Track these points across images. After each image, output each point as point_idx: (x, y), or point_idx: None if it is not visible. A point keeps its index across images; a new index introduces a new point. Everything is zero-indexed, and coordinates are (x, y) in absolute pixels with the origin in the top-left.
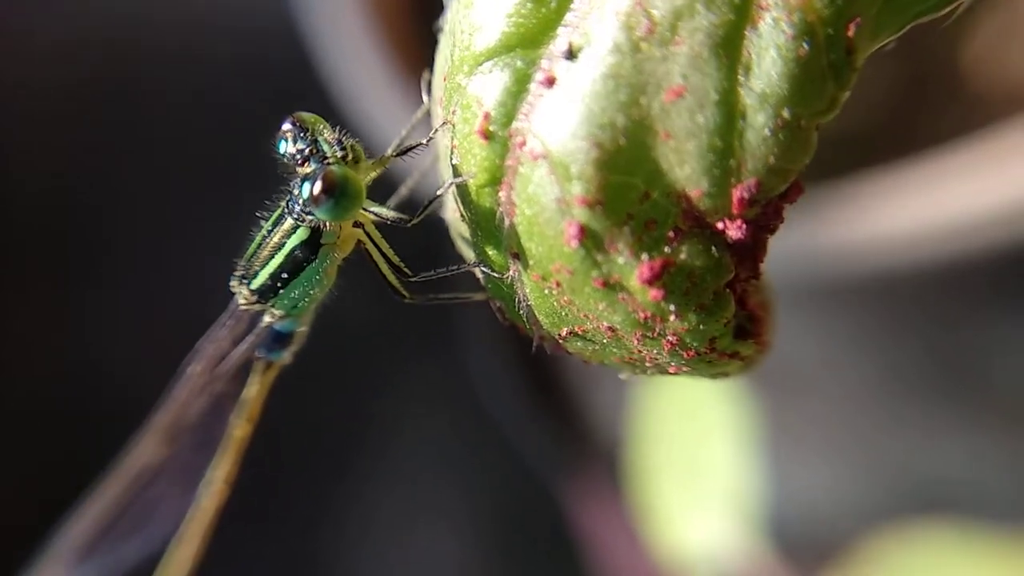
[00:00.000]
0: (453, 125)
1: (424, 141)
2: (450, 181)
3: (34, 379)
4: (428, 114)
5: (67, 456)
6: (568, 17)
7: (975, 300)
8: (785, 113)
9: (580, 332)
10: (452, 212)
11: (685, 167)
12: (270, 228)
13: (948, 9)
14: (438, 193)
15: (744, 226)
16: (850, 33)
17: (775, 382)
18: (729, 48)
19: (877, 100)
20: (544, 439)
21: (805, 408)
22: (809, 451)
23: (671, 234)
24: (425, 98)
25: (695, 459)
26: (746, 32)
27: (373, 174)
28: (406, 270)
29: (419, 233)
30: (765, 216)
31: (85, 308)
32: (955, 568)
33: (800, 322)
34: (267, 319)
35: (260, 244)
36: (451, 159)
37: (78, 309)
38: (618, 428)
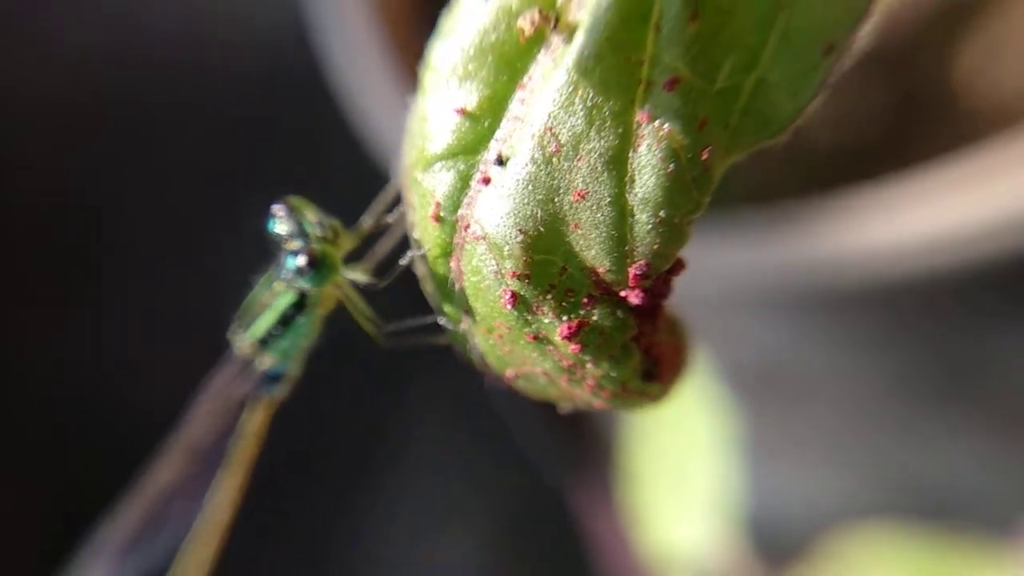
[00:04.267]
0: (413, 208)
1: (390, 221)
2: (410, 253)
3: (34, 379)
4: (397, 192)
5: (65, 456)
6: (498, 133)
7: (973, 308)
8: (662, 213)
9: (522, 374)
10: (421, 272)
11: (591, 250)
12: (262, 290)
13: (778, 140)
14: (402, 263)
15: (641, 294)
16: (704, 157)
17: (779, 388)
18: (617, 164)
19: (871, 115)
20: (555, 442)
21: (807, 413)
22: (812, 455)
23: (585, 300)
24: (393, 180)
25: (682, 465)
26: (629, 153)
27: (349, 246)
28: (378, 322)
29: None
30: (656, 287)
31: (85, 314)
32: (912, 563)
33: (802, 329)
34: (261, 364)
35: (254, 303)
36: (414, 234)
37: (78, 314)
38: (618, 432)
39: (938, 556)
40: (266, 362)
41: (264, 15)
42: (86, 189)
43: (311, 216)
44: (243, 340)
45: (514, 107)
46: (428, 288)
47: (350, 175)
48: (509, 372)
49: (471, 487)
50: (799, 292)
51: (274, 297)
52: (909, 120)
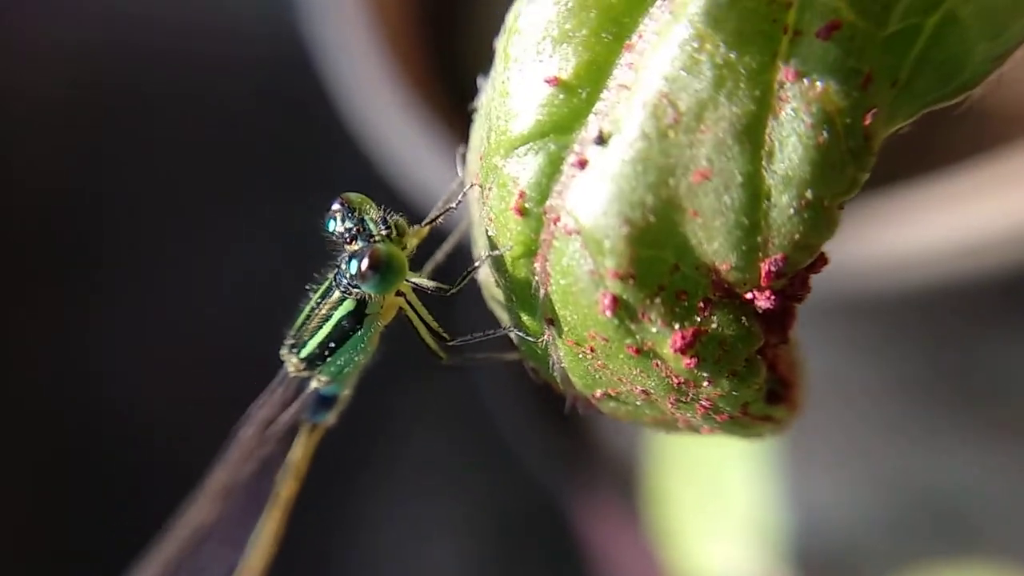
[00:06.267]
0: (489, 201)
1: (454, 205)
2: (487, 254)
3: (34, 379)
4: (462, 186)
5: (65, 454)
6: (598, 106)
7: (986, 318)
8: (808, 194)
9: (614, 394)
10: (486, 277)
11: (713, 242)
12: (318, 300)
13: (960, 99)
14: (476, 265)
15: (772, 296)
16: (867, 122)
17: None
18: (752, 135)
19: None
20: (553, 457)
21: (816, 426)
22: (819, 470)
23: (701, 304)
24: (459, 171)
25: (713, 481)
26: (768, 121)
27: (414, 245)
28: (444, 335)
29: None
30: (792, 287)
31: (85, 314)
32: None
33: (811, 338)
34: (314, 384)
35: (309, 316)
36: (487, 232)
37: (78, 315)
38: (629, 447)
39: None
40: (318, 383)
41: (261, 7)
42: (86, 189)
43: (373, 213)
44: (295, 358)
45: (619, 73)
46: (500, 295)
47: (351, 170)
48: (597, 392)
49: (464, 499)
50: (809, 300)
51: (330, 308)
52: (928, 122)
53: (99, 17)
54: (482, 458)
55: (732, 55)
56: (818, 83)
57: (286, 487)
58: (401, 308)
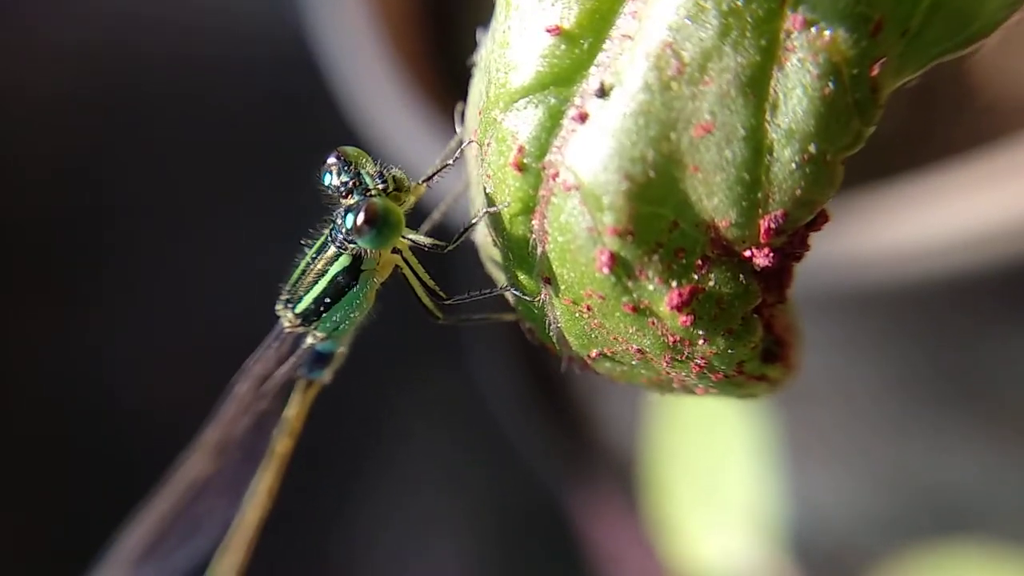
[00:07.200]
0: (487, 157)
1: (451, 162)
2: (484, 210)
3: (34, 378)
4: (460, 143)
5: (65, 454)
6: (600, 58)
7: (985, 313)
8: (811, 148)
9: (609, 354)
10: (483, 237)
11: (713, 198)
12: (314, 256)
13: (970, 49)
14: (473, 221)
15: (771, 254)
16: (874, 73)
17: (784, 395)
18: (756, 87)
19: (889, 109)
20: (552, 451)
21: (814, 421)
22: (818, 464)
23: (699, 262)
24: (458, 128)
25: (712, 473)
26: (773, 72)
27: (411, 201)
28: (441, 293)
29: (447, 254)
30: (791, 244)
31: (85, 314)
32: None
33: (811, 336)
34: (309, 341)
35: (304, 271)
36: (485, 188)
37: (78, 314)
38: (628, 441)
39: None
40: (314, 339)
41: (261, 7)
42: (86, 189)
43: (370, 167)
44: (291, 313)
45: (622, 22)
46: (496, 255)
47: None
48: (593, 352)
49: (465, 496)
50: (806, 294)
51: (326, 263)
52: (928, 114)
53: (99, 17)
54: (483, 456)
55: (739, 2)
56: (826, 31)
57: (281, 443)
58: (397, 266)
